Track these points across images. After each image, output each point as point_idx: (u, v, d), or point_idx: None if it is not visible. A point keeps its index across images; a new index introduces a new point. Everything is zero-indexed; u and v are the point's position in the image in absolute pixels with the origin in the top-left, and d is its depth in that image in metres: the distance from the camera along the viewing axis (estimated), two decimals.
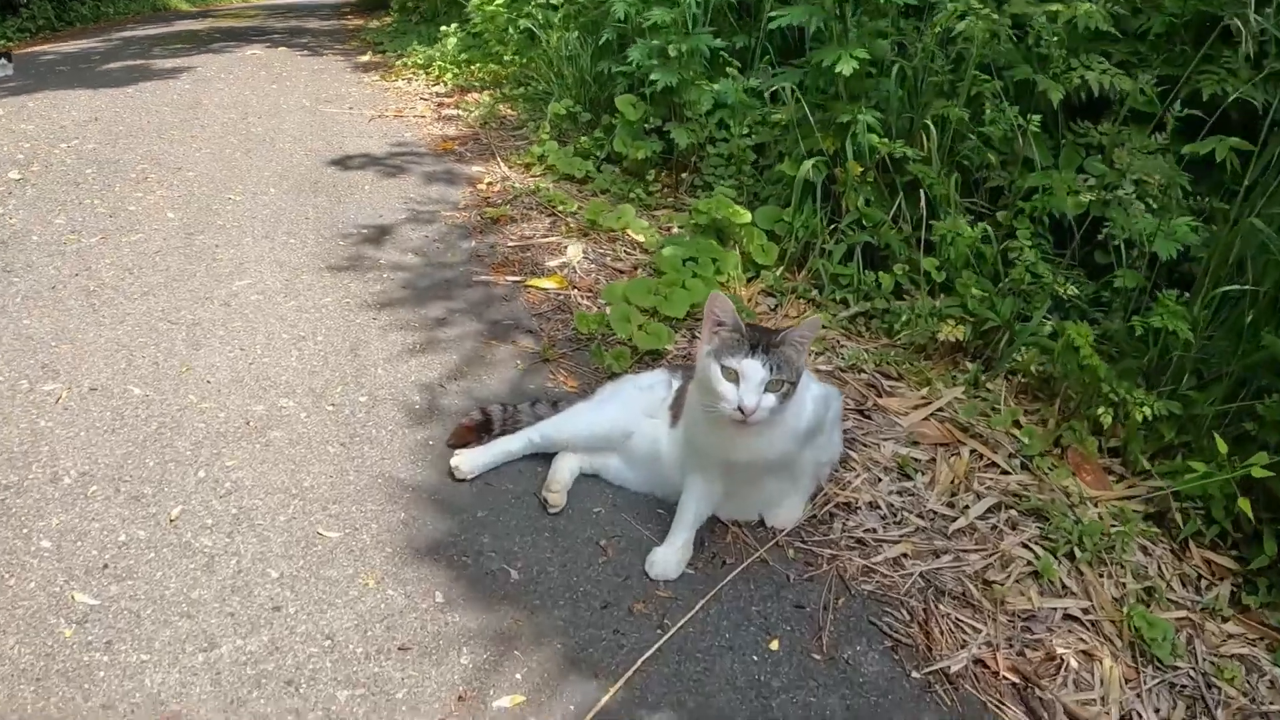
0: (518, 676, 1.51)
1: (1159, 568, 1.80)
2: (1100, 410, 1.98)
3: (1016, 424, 2.12)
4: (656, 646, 1.57)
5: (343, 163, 4.17)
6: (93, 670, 1.46)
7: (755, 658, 1.55)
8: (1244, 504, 1.72)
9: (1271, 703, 1.55)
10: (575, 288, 2.86)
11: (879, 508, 1.90)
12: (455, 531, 1.81)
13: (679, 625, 1.62)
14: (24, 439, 2.00)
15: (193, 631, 1.54)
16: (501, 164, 4.10)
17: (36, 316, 2.55)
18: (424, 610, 1.62)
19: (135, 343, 2.43)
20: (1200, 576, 1.80)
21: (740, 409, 1.54)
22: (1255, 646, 1.67)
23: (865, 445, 2.08)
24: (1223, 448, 1.76)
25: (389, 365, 2.38)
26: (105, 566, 1.67)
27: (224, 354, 2.39)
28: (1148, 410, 1.92)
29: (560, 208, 3.46)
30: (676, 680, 1.52)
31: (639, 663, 1.54)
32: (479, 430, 2.03)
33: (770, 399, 1.55)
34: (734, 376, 1.54)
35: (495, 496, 1.91)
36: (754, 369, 1.53)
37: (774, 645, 1.59)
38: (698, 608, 1.64)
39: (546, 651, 1.56)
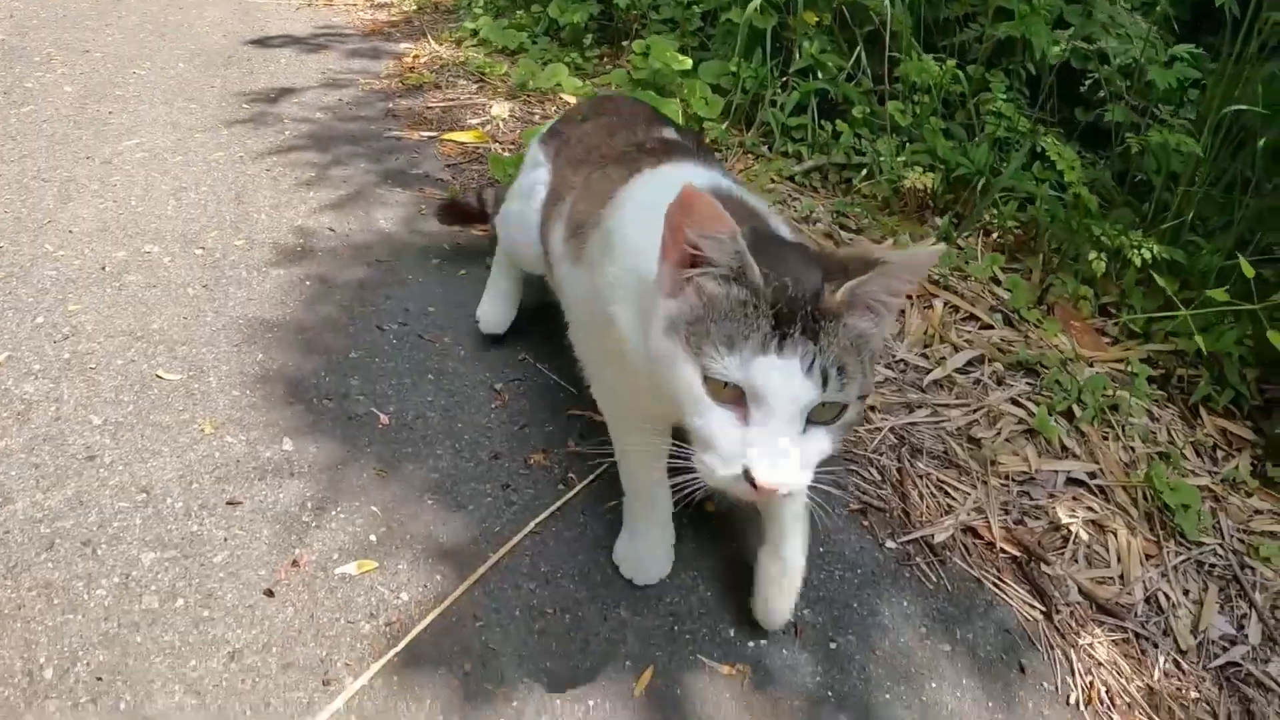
0: (372, 538, 1.14)
1: (1169, 434, 1.49)
2: (1092, 257, 1.65)
3: (995, 280, 1.79)
4: (557, 506, 1.19)
5: (262, 42, 3.71)
6: None
7: (685, 521, 1.18)
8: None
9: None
10: (496, 141, 2.44)
11: None
12: (320, 372, 1.42)
13: (587, 481, 1.24)
14: None
15: None
16: (431, 41, 3.69)
17: None
18: (266, 460, 1.24)
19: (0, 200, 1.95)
20: (1215, 446, 1.50)
21: (750, 479, 0.73)
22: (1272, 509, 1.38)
23: None
24: (1249, 271, 1.45)
25: (273, 211, 1.97)
26: None
27: (94, 206, 1.95)
28: (1146, 253, 1.60)
29: (488, 72, 3.04)
30: (578, 545, 1.14)
31: (532, 525, 1.16)
32: (469, 215, 1.77)
33: (818, 444, 0.77)
34: (736, 397, 0.75)
35: (373, 336, 1.51)
36: (786, 383, 0.73)
37: (709, 507, 1.22)
38: (610, 462, 1.27)
39: (413, 509, 1.18)
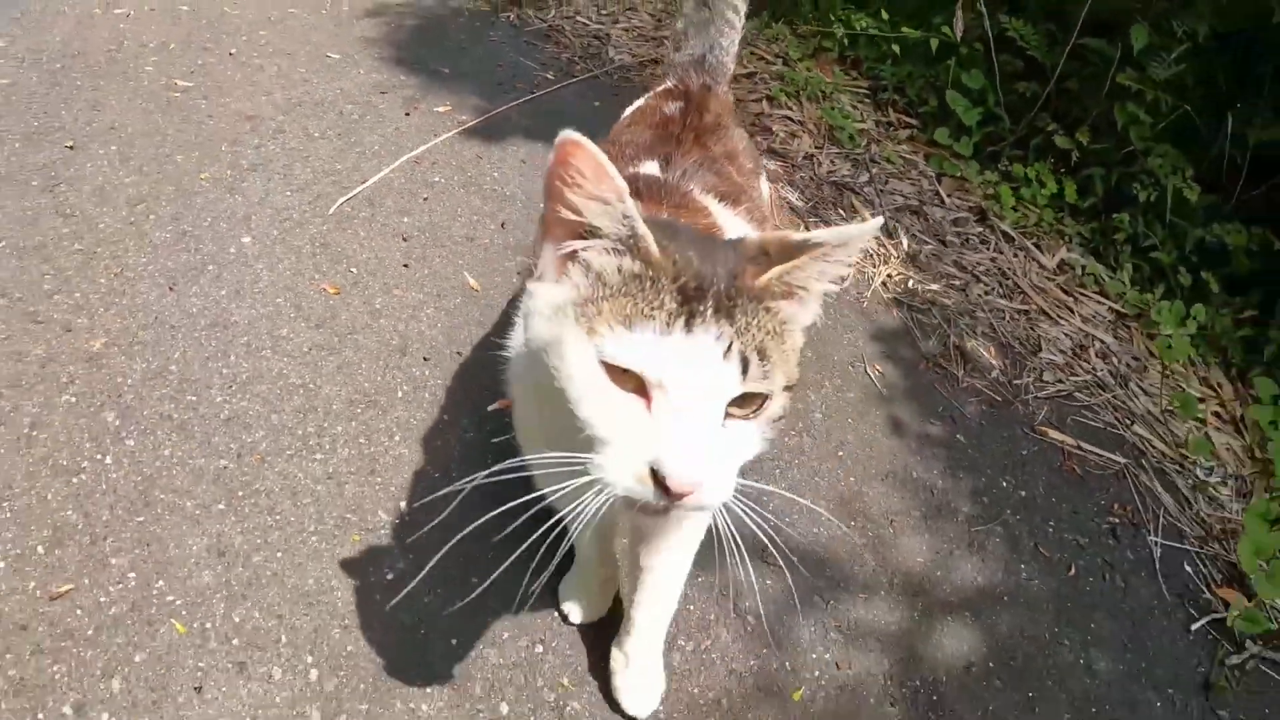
0: None
1: (860, 113, 2.54)
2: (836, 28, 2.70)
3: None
4: None
5: None
6: None
7: None
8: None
9: (890, 178, 2.32)
10: None
11: None
12: None
13: None
14: None
15: None
16: None
17: None
18: None
19: None
20: (892, 125, 2.55)
21: (665, 485, 0.65)
22: (918, 155, 2.43)
23: None
24: None
25: None
26: None
27: None
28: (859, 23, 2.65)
29: None
30: None
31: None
32: None
33: (741, 441, 0.70)
34: (639, 387, 0.67)
35: None
36: (699, 370, 0.66)
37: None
38: None
39: None
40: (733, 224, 1.02)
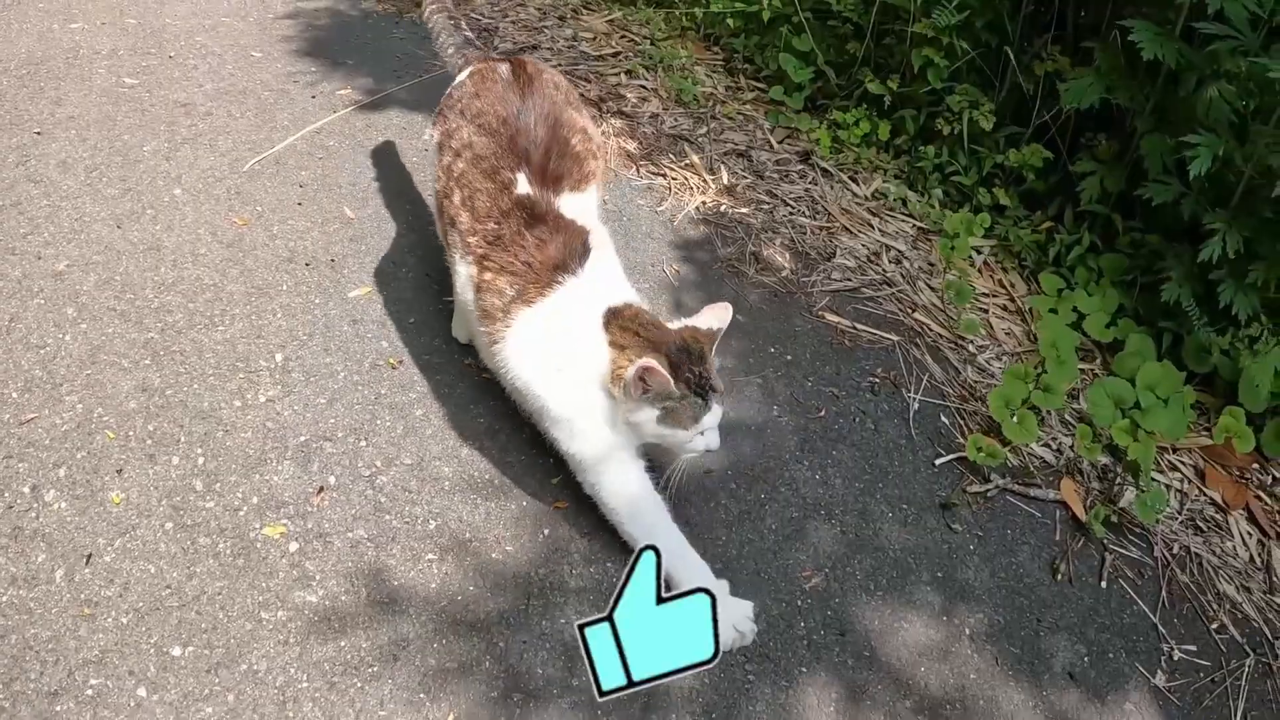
0: None
1: (714, 82, 3.15)
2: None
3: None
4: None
5: None
6: None
7: None
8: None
9: (727, 130, 2.92)
10: None
11: None
12: None
13: None
14: None
15: None
16: None
17: None
18: None
19: None
20: (741, 89, 3.16)
21: (710, 451, 1.57)
22: (759, 113, 3.03)
23: None
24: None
25: None
26: None
27: None
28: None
29: None
30: None
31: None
32: None
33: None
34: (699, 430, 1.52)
35: None
36: (716, 416, 1.53)
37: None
38: None
39: None
40: (587, 211, 1.73)
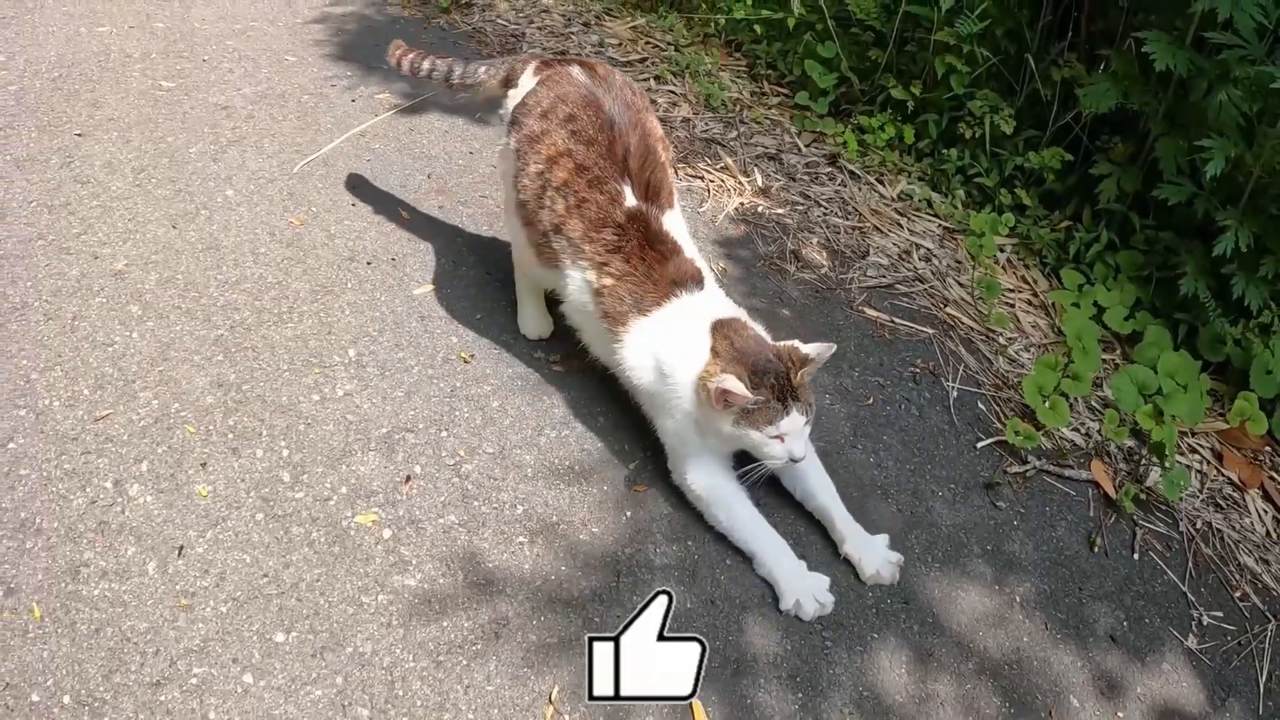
0: None
1: (738, 87, 3.24)
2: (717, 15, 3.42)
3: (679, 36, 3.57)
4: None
5: None
6: None
7: None
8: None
9: (756, 135, 3.01)
10: None
11: None
12: None
13: None
14: None
15: None
16: None
17: None
18: None
19: None
20: (765, 94, 3.25)
21: (792, 459, 1.61)
22: (784, 118, 3.12)
23: None
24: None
25: None
26: None
27: None
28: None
29: None
30: None
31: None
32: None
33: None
34: (775, 434, 1.58)
35: None
36: (797, 423, 1.58)
37: None
38: None
39: None
40: (679, 228, 1.82)
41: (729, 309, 1.73)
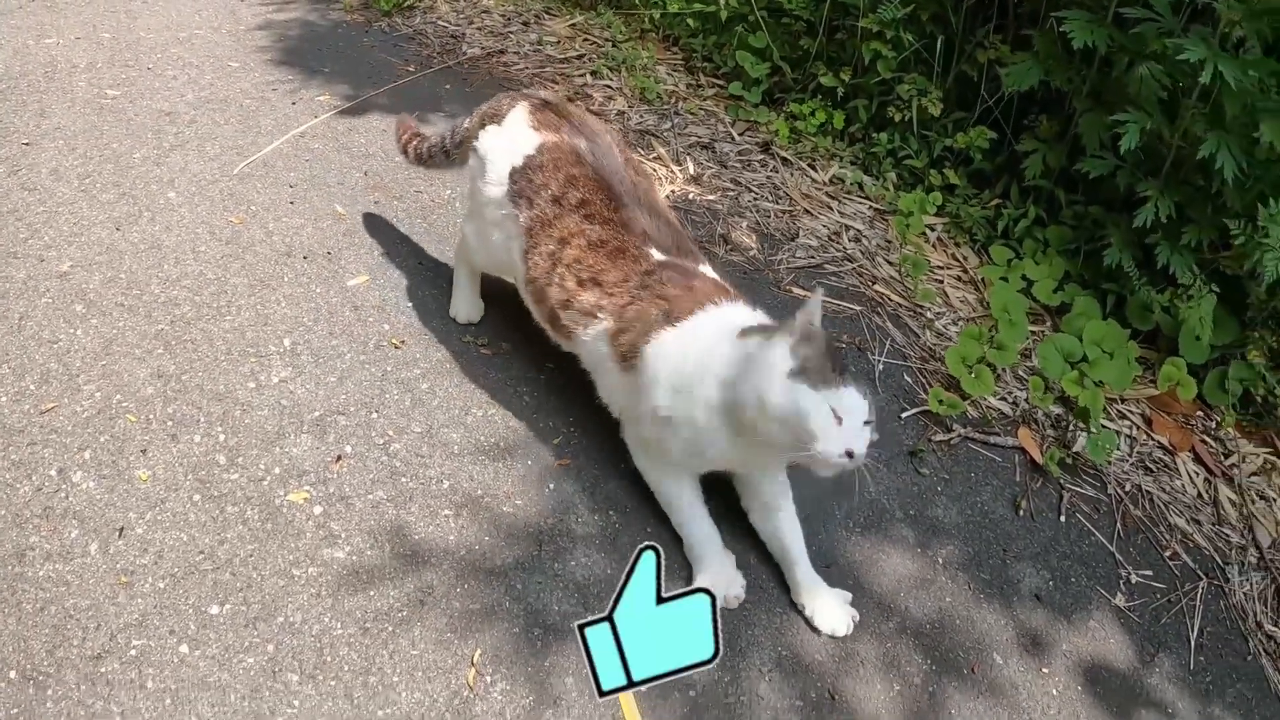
0: None
1: (675, 80, 3.35)
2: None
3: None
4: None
5: None
6: None
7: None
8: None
9: (690, 125, 3.12)
10: None
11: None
12: None
13: None
14: None
15: None
16: None
17: None
18: None
19: None
20: (701, 86, 3.36)
21: (849, 453, 1.38)
22: (719, 108, 3.23)
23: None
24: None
25: None
26: None
27: None
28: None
29: None
30: None
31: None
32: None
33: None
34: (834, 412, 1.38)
35: None
36: (853, 399, 1.40)
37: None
38: None
39: None
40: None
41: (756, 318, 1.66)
